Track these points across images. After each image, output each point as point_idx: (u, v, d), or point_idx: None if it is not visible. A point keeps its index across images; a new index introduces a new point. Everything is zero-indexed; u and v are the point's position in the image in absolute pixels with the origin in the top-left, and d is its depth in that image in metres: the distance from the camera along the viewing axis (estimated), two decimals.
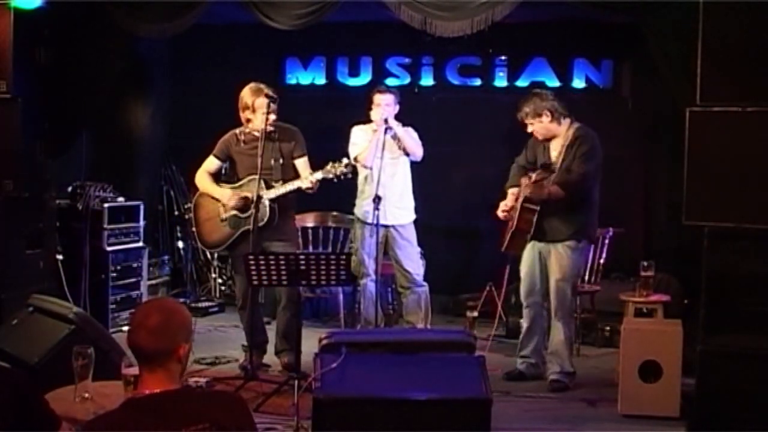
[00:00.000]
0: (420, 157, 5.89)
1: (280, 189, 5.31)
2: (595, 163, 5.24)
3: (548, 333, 5.44)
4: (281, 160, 5.42)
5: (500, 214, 5.41)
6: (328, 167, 5.21)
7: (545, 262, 5.35)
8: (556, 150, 5.32)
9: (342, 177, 5.21)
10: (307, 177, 5.29)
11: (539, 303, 5.42)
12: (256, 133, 5.35)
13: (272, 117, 5.32)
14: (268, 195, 5.28)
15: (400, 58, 7.74)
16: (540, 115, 5.28)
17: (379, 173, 5.59)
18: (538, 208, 5.22)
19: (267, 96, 5.30)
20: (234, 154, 5.53)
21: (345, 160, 5.24)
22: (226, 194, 5.48)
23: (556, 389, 5.24)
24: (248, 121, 5.42)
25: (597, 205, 5.36)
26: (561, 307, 5.29)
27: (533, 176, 5.32)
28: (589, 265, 6.18)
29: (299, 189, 5.32)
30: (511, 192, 5.47)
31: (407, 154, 5.88)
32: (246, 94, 5.39)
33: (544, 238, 5.30)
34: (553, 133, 5.32)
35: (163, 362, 2.28)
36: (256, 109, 5.34)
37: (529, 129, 5.37)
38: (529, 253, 5.40)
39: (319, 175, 5.23)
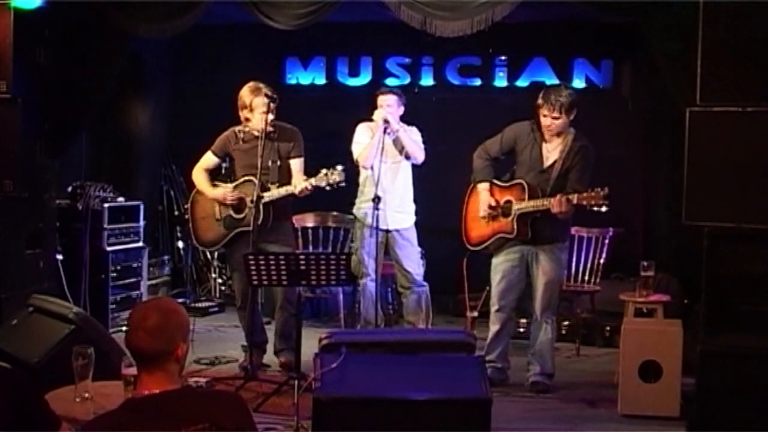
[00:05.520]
0: (421, 160, 5.84)
1: (273, 193, 5.27)
2: None
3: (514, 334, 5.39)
4: (279, 162, 5.39)
5: (485, 213, 5.24)
6: (321, 175, 5.12)
7: (529, 265, 5.22)
8: (552, 152, 5.11)
9: (335, 186, 5.11)
10: (299, 183, 5.23)
11: (511, 307, 5.34)
12: (256, 133, 5.32)
13: (270, 116, 5.28)
14: (263, 197, 5.24)
15: (400, 58, 7.73)
16: (570, 111, 4.99)
17: (379, 175, 5.55)
18: (539, 215, 5.05)
19: (267, 96, 5.27)
20: (232, 152, 5.52)
21: (339, 167, 5.12)
22: (219, 194, 5.46)
23: (538, 391, 5.19)
24: (247, 120, 5.40)
25: None
26: (549, 307, 5.21)
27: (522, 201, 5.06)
28: (589, 265, 6.18)
29: (291, 194, 5.27)
30: (484, 189, 5.28)
31: (408, 158, 5.85)
32: (245, 93, 5.36)
33: (534, 241, 5.15)
34: (563, 133, 5.11)
35: (162, 363, 2.28)
36: (254, 109, 5.31)
37: (547, 122, 5.03)
38: (509, 255, 5.25)
39: (312, 182, 5.17)
